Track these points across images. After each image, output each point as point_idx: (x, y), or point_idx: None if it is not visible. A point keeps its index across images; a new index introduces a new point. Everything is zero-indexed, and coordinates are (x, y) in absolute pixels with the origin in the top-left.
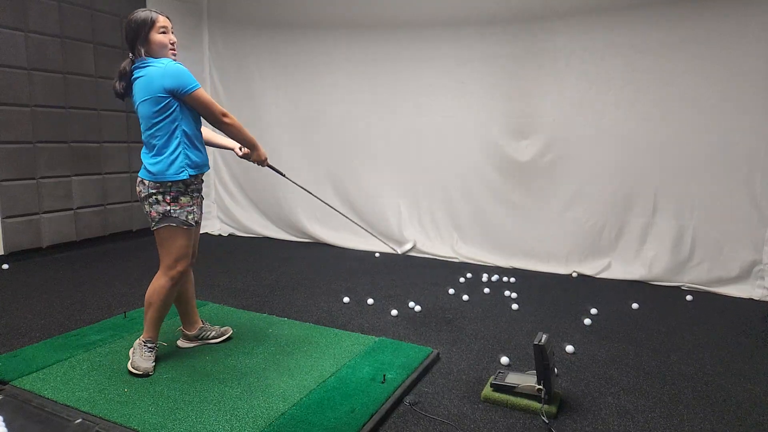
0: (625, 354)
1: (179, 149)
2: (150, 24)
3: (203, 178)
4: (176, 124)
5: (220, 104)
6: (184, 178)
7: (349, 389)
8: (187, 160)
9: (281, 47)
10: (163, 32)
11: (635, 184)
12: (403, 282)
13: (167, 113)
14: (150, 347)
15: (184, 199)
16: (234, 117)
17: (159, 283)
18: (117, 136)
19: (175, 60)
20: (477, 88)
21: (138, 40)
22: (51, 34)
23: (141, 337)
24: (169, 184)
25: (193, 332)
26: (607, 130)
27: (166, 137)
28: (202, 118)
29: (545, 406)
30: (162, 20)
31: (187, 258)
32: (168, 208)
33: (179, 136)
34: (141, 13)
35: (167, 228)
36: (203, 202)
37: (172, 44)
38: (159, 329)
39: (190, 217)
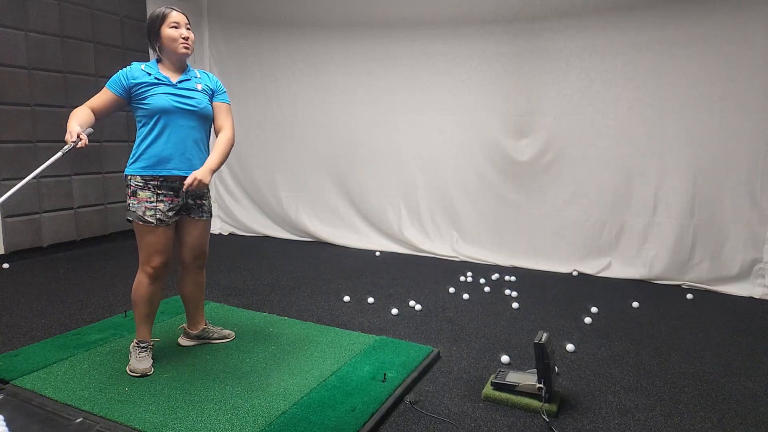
0: (626, 353)
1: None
2: (161, 19)
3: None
4: (137, 122)
5: None
6: (127, 173)
7: (350, 388)
8: (134, 159)
9: (282, 45)
10: (174, 27)
11: (636, 183)
12: (404, 281)
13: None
14: (143, 347)
15: (142, 194)
16: (77, 109)
17: (137, 279)
18: (117, 135)
19: (186, 54)
20: (477, 86)
21: (152, 35)
22: (51, 33)
23: (135, 338)
24: (129, 177)
25: (195, 332)
26: (608, 129)
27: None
28: (187, 120)
29: (546, 404)
30: (174, 15)
31: (160, 255)
32: (128, 201)
33: (139, 134)
34: (155, 10)
35: (133, 222)
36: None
37: (185, 39)
38: (149, 328)
39: (148, 213)
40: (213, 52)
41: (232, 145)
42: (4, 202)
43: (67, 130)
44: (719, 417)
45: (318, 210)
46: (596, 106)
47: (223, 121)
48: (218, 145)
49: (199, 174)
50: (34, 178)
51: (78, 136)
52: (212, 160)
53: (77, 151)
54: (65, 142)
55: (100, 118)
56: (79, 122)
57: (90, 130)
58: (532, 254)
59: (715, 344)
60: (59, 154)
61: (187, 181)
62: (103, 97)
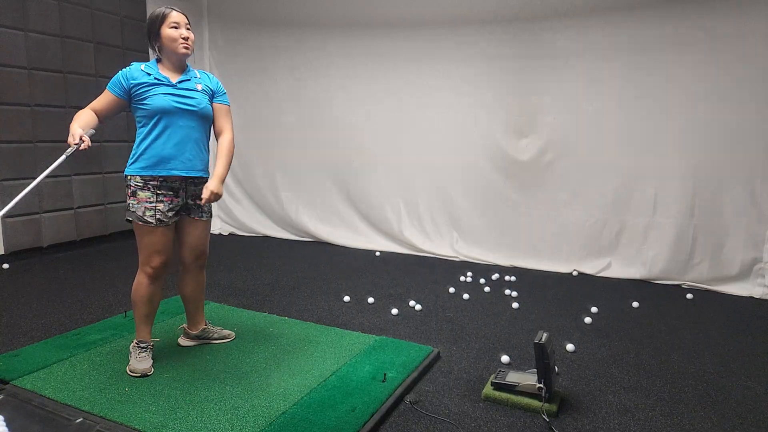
0: (626, 352)
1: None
2: (161, 19)
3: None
4: (137, 122)
5: None
6: (127, 173)
7: (350, 388)
8: (134, 159)
9: (282, 45)
10: (174, 27)
11: (636, 183)
12: (404, 281)
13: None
14: (143, 347)
15: (142, 194)
16: (80, 112)
17: (136, 279)
18: (117, 135)
19: (186, 54)
20: (477, 86)
21: (152, 35)
22: (51, 33)
23: (135, 338)
24: (129, 177)
25: (195, 332)
26: (608, 129)
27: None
28: (186, 121)
29: (546, 404)
30: (174, 15)
31: (160, 255)
32: (128, 201)
33: (139, 134)
34: (155, 10)
35: (132, 222)
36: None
37: (185, 39)
38: (149, 328)
39: (148, 213)
40: (213, 52)
41: (234, 148)
42: (6, 213)
43: (70, 133)
44: (719, 416)
45: (318, 210)
46: (596, 106)
47: (223, 124)
48: (221, 152)
49: (213, 187)
50: (37, 183)
51: (80, 138)
52: (219, 168)
53: (79, 152)
54: (68, 145)
55: (104, 120)
56: (80, 124)
57: (92, 131)
58: (532, 254)
59: (715, 344)
60: (63, 157)
61: (204, 195)
62: (105, 99)
